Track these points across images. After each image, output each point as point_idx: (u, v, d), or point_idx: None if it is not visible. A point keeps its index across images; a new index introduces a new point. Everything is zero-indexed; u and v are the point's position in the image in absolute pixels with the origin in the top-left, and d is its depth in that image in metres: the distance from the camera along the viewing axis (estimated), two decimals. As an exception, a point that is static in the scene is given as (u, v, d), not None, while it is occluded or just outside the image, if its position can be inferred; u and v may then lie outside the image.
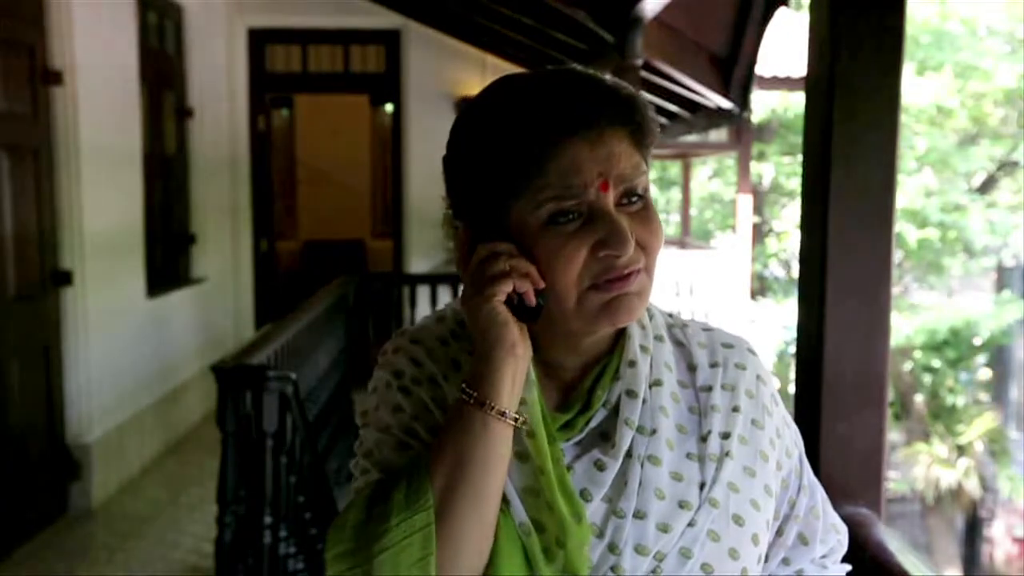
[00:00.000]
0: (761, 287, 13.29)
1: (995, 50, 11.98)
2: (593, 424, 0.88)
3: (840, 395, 1.47)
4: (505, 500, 0.83)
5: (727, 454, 0.88)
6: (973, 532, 12.43)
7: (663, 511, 0.85)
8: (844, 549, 1.00)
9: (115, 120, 4.98)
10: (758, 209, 12.82)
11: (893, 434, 12.04)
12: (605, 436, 0.87)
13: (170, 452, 5.59)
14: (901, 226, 11.46)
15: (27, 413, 4.19)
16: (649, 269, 0.84)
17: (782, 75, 8.18)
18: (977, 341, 12.36)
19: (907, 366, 12.37)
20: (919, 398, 12.50)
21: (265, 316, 7.48)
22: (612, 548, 0.84)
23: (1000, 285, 13.96)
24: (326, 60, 7.81)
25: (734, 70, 5.77)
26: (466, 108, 0.87)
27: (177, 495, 4.88)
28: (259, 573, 2.94)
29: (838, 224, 1.45)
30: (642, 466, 0.85)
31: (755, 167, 11.84)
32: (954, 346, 12.30)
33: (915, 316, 12.14)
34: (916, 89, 11.14)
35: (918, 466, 11.50)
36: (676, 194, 12.64)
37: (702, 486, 0.86)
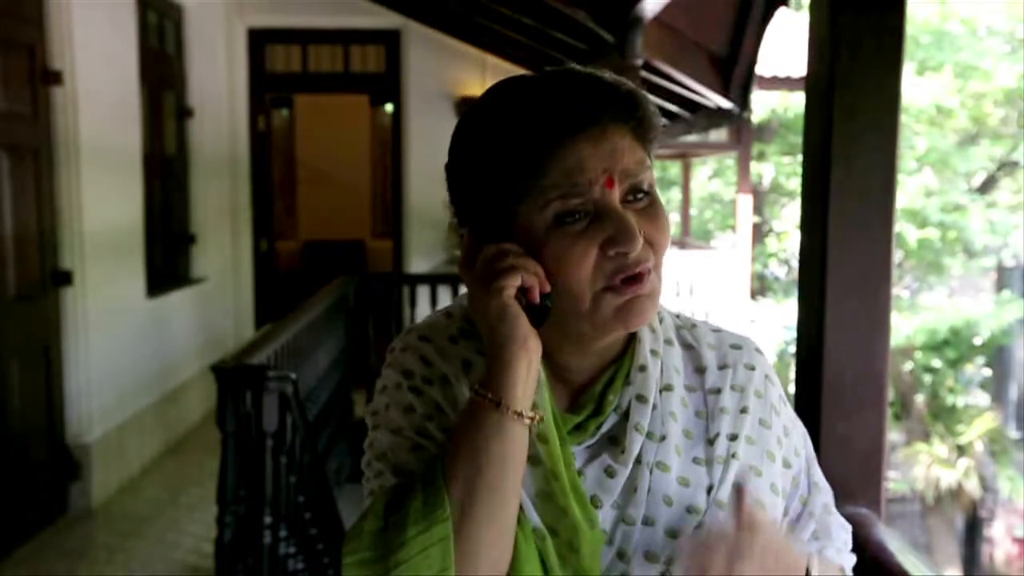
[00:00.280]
0: (761, 287, 13.29)
1: (995, 50, 11.98)
2: (604, 429, 0.88)
3: (840, 395, 1.48)
4: (520, 505, 0.83)
5: (733, 455, 0.88)
6: (973, 532, 12.43)
7: (672, 517, 0.84)
8: (850, 546, 1.01)
9: (115, 120, 4.98)
10: (758, 209, 12.81)
11: (893, 434, 12.03)
12: (615, 441, 0.87)
13: (170, 452, 5.58)
14: (901, 226, 11.46)
15: (27, 413, 4.19)
16: (657, 267, 0.84)
17: (782, 75, 8.17)
18: (977, 341, 12.36)
19: (907, 366, 12.37)
20: (919, 398, 12.50)
21: (265, 316, 7.48)
22: (621, 555, 0.83)
23: (1000, 285, 13.96)
24: (326, 60, 7.81)
25: (734, 70, 5.77)
26: (466, 114, 0.87)
27: (177, 495, 4.88)
28: (259, 573, 2.94)
29: (838, 224, 1.45)
30: (651, 473, 0.85)
31: (755, 167, 11.83)
32: (954, 346, 12.29)
33: (915, 316, 12.14)
34: (916, 89, 11.14)
35: (918, 466, 11.50)
36: (676, 194, 12.63)
37: (710, 489, 0.86)
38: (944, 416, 12.04)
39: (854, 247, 1.46)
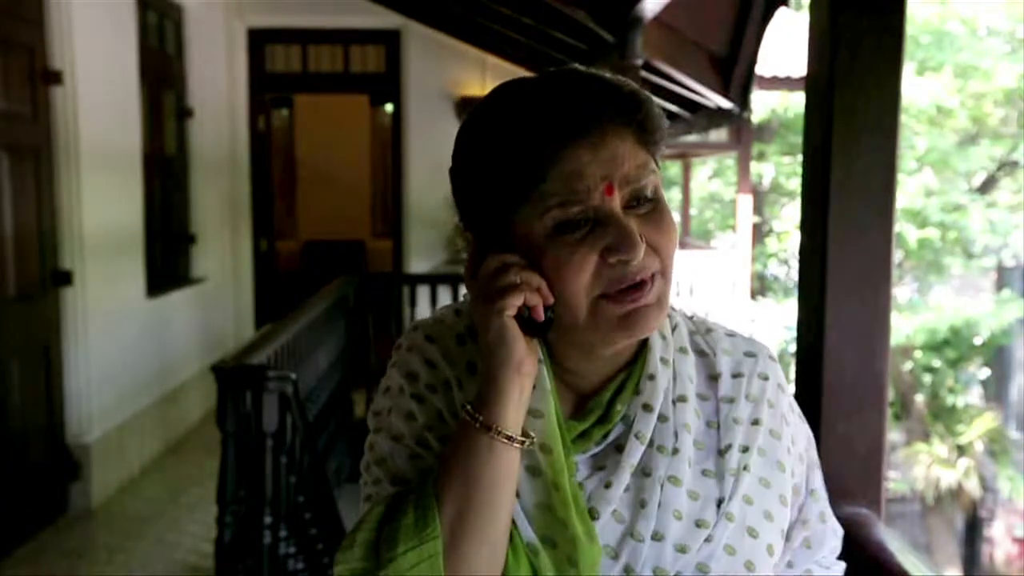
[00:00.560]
0: (761, 287, 13.29)
1: (995, 50, 11.98)
2: (611, 438, 0.86)
3: (840, 395, 1.47)
4: (513, 520, 0.82)
5: (745, 468, 0.86)
6: (973, 532, 12.43)
7: (681, 532, 0.83)
8: (839, 551, 1.01)
9: (115, 120, 4.98)
10: (758, 209, 12.81)
11: (893, 434, 12.04)
12: (620, 450, 0.85)
13: (170, 452, 5.58)
14: (901, 226, 11.45)
15: (27, 413, 4.19)
16: (665, 272, 0.82)
17: (782, 75, 8.17)
18: (977, 341, 12.36)
19: (907, 366, 12.37)
20: (919, 398, 12.50)
21: (265, 316, 7.48)
22: (628, 571, 0.82)
23: (1000, 285, 13.96)
24: (326, 60, 7.81)
25: (734, 70, 5.77)
26: (468, 118, 0.86)
27: (177, 495, 4.88)
28: (259, 573, 2.94)
29: (838, 224, 1.45)
30: (662, 488, 0.84)
31: (755, 167, 11.83)
32: (954, 346, 12.29)
33: (915, 316, 12.14)
34: (916, 89, 11.14)
35: (918, 466, 11.50)
36: (676, 194, 12.63)
37: (719, 502, 0.85)
38: (944, 416, 12.04)
39: (854, 247, 1.46)
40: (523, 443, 0.81)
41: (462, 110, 7.32)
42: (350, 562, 0.81)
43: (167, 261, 6.01)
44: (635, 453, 0.84)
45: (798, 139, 11.41)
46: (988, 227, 11.85)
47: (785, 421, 0.92)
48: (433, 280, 6.36)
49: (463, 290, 0.89)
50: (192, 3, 6.32)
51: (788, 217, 13.48)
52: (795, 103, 11.47)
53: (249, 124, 7.50)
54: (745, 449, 0.87)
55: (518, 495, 0.82)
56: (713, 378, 0.90)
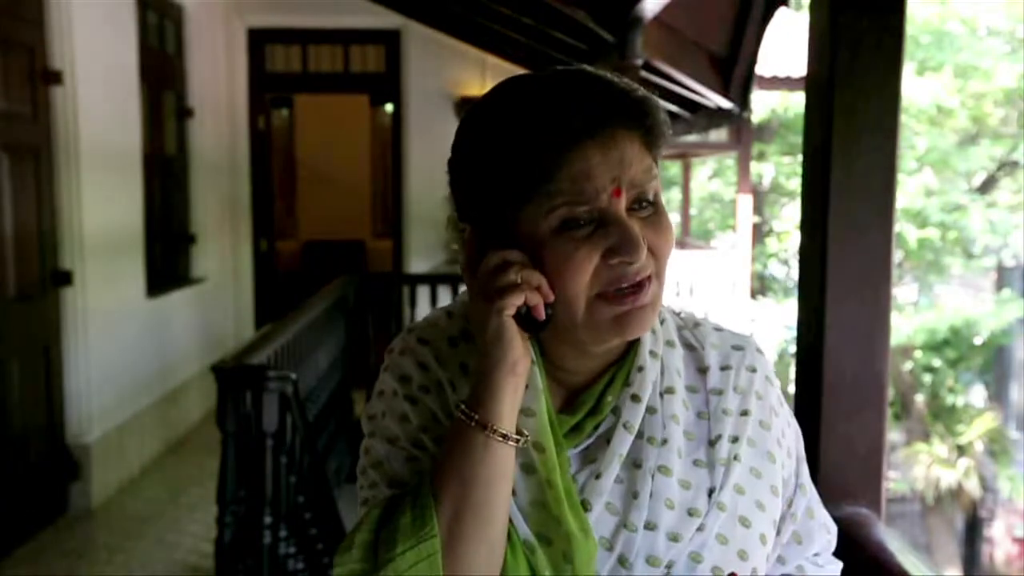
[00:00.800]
0: (761, 287, 13.29)
1: (995, 50, 11.98)
2: (601, 430, 0.87)
3: (840, 395, 1.47)
4: (510, 517, 0.82)
5: (735, 457, 0.87)
6: (973, 532, 12.43)
7: (673, 521, 0.84)
8: (833, 548, 1.01)
9: (115, 120, 4.98)
10: (758, 209, 12.81)
11: (893, 434, 12.04)
12: (610, 442, 0.86)
13: (170, 452, 5.58)
14: (901, 226, 11.45)
15: (27, 413, 4.19)
16: (659, 275, 0.83)
17: (782, 75, 8.17)
18: (977, 341, 12.36)
19: (907, 366, 12.37)
20: (919, 398, 12.50)
21: (265, 316, 7.48)
22: (623, 561, 0.83)
23: (1000, 285, 13.96)
24: (326, 60, 7.81)
25: (734, 70, 5.77)
26: (473, 109, 0.85)
27: (177, 495, 4.88)
28: (259, 573, 2.94)
29: (838, 224, 1.45)
30: (652, 478, 0.84)
31: (755, 167, 11.83)
32: (954, 346, 12.29)
33: (916, 316, 12.14)
34: (916, 89, 11.14)
35: (918, 466, 11.50)
36: (676, 194, 12.63)
37: (711, 492, 0.86)
38: (944, 416, 12.04)
39: (854, 247, 1.46)
40: (518, 441, 0.82)
41: (462, 110, 7.30)
42: (348, 563, 0.81)
43: (167, 261, 6.01)
44: (624, 443, 0.85)
45: (798, 139, 11.41)
46: (988, 227, 11.85)
47: (774, 413, 0.93)
48: (433, 280, 6.36)
49: (463, 289, 0.89)
50: (192, 3, 6.32)
51: (788, 217, 13.48)
52: (795, 103, 11.47)
53: (249, 124, 7.50)
54: (735, 439, 0.88)
55: (514, 493, 0.83)
56: (702, 371, 0.92)
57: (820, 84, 1.50)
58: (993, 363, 13.54)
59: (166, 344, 5.72)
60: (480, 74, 7.50)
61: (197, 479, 4.97)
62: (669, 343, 0.92)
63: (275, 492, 2.97)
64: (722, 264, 7.61)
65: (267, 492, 2.95)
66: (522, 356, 0.82)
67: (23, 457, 4.15)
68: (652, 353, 0.89)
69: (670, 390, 0.89)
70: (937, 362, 12.33)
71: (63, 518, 4.45)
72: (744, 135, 8.11)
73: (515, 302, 0.80)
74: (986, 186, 13.11)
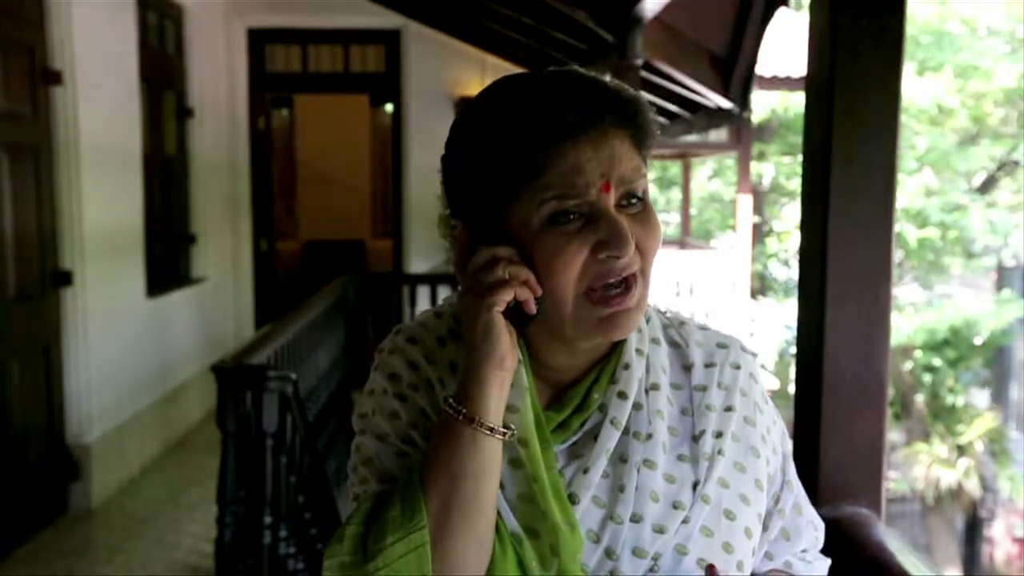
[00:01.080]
0: (761, 287, 13.30)
1: (995, 50, 11.98)
2: (588, 426, 0.88)
3: (840, 395, 1.47)
4: (498, 509, 0.84)
5: (719, 452, 0.89)
6: (973, 532, 12.43)
7: (658, 513, 0.85)
8: (821, 544, 1.01)
9: (115, 120, 4.98)
10: (758, 209, 12.82)
11: (893, 434, 12.04)
12: (597, 438, 0.88)
13: (170, 452, 5.58)
14: (901, 226, 11.46)
15: (27, 413, 4.19)
16: (645, 272, 0.84)
17: (782, 75, 8.17)
18: (977, 341, 12.36)
19: (907, 366, 12.37)
20: (919, 398, 12.50)
21: (265, 316, 7.48)
22: (609, 553, 0.84)
23: (1000, 285, 13.96)
24: (326, 60, 7.81)
25: (734, 70, 5.77)
26: (467, 108, 0.87)
27: (177, 495, 4.88)
28: (259, 573, 2.94)
29: (838, 224, 1.45)
30: (638, 472, 0.86)
31: (755, 167, 11.84)
32: (954, 346, 12.30)
33: (915, 316, 12.14)
34: (916, 89, 11.14)
35: (918, 466, 11.50)
36: (676, 194, 12.64)
37: (695, 485, 0.87)
38: (944, 416, 12.04)
39: (854, 247, 1.46)
40: (505, 434, 0.83)
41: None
42: (339, 555, 0.82)
43: (167, 261, 6.01)
44: (611, 439, 0.87)
45: (798, 139, 11.41)
46: (988, 227, 11.85)
47: (759, 409, 0.94)
48: (433, 280, 6.37)
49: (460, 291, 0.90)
50: (192, 3, 6.32)
51: (788, 217, 13.49)
52: (795, 103, 11.47)
53: (249, 124, 7.50)
54: (719, 435, 0.90)
55: (502, 486, 0.84)
56: (686, 368, 0.93)
57: (820, 84, 1.50)
58: (993, 363, 13.54)
59: (166, 344, 5.72)
60: (480, 74, 7.50)
61: (197, 479, 4.97)
62: (655, 341, 0.93)
63: (275, 492, 2.97)
64: (722, 264, 7.61)
65: (267, 492, 2.96)
66: (509, 351, 0.83)
67: (23, 457, 4.15)
68: (638, 351, 0.90)
69: (655, 387, 0.90)
70: (937, 362, 12.33)
71: (63, 518, 4.45)
72: (744, 135, 8.12)
73: (504, 298, 0.81)
74: (986, 186, 13.12)
